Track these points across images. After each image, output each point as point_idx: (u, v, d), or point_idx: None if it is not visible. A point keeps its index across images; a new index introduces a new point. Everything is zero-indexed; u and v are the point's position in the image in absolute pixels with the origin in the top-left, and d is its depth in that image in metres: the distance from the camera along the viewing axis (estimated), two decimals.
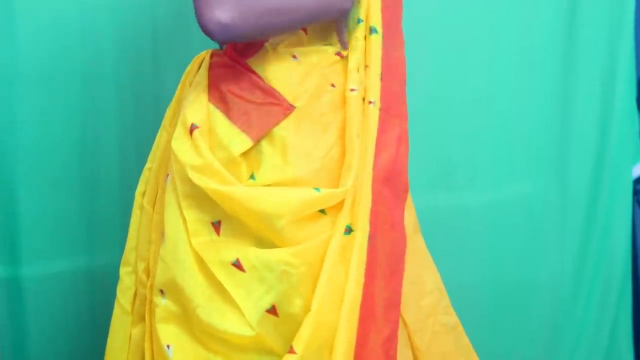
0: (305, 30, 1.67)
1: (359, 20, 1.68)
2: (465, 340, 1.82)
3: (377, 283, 1.60)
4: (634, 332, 2.83)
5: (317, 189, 1.57)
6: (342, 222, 1.58)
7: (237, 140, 1.59)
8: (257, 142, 1.60)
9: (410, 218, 1.74)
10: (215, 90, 1.63)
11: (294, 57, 1.64)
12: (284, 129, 1.60)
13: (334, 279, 1.56)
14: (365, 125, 1.63)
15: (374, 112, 1.64)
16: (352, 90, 1.64)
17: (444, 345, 1.76)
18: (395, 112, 1.67)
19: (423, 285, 1.75)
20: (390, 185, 1.63)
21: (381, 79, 1.66)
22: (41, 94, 2.09)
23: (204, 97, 1.63)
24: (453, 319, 1.81)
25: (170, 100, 1.75)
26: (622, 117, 2.72)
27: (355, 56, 1.66)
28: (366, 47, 1.68)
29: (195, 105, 1.63)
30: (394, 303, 1.63)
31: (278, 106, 1.60)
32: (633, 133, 2.75)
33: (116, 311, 1.75)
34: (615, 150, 2.73)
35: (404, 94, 1.71)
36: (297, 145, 1.59)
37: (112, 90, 2.14)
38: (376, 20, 1.68)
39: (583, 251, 2.76)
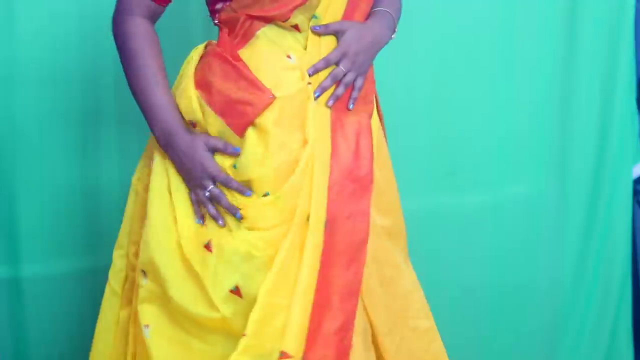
0: (298, 28, 1.68)
1: (313, 16, 1.67)
2: (438, 344, 1.81)
3: (334, 271, 1.62)
4: (634, 332, 2.83)
5: (267, 193, 1.61)
6: (304, 209, 1.61)
7: (226, 136, 1.64)
8: (242, 135, 1.63)
9: (384, 222, 1.74)
10: (202, 79, 1.66)
11: (289, 57, 1.66)
12: (265, 118, 1.62)
13: (289, 263, 1.59)
14: (318, 119, 1.65)
15: (325, 110, 1.66)
16: (309, 83, 1.66)
17: (412, 350, 1.75)
18: (352, 110, 1.69)
19: (394, 288, 1.74)
20: (351, 177, 1.65)
21: None
22: (41, 94, 2.08)
23: (190, 86, 1.66)
24: (424, 323, 1.78)
25: None
26: (622, 117, 2.72)
27: (311, 50, 1.67)
28: (321, 45, 1.68)
29: (185, 95, 1.66)
30: (351, 291, 1.63)
31: (260, 97, 1.62)
32: (633, 133, 2.75)
33: (106, 293, 1.77)
34: (615, 150, 2.73)
35: (370, 92, 1.73)
36: (277, 134, 1.62)
37: (112, 91, 2.14)
38: (331, 20, 1.68)
39: (583, 251, 2.77)
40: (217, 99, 1.64)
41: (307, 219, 1.61)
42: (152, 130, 1.65)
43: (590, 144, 2.72)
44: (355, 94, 1.69)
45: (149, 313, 1.64)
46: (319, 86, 1.66)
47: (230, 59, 1.64)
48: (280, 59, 1.65)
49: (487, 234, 2.58)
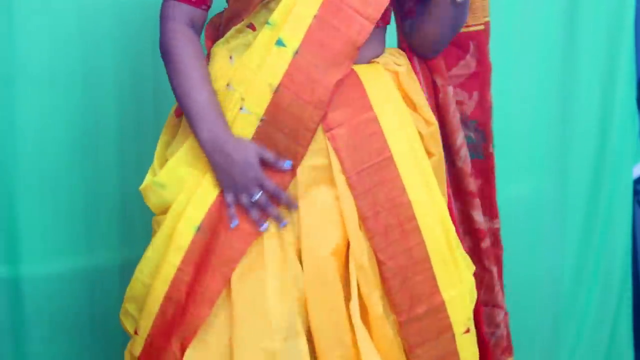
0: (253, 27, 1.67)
1: (268, 22, 1.62)
2: None
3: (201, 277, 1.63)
4: (634, 332, 2.83)
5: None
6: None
7: None
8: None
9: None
10: None
11: (230, 58, 1.66)
12: None
13: None
14: (233, 127, 1.62)
15: (248, 120, 1.61)
16: (227, 85, 1.64)
17: None
18: (287, 131, 1.61)
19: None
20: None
21: (276, 92, 1.59)
22: (41, 94, 2.08)
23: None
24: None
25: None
26: (622, 117, 2.72)
27: (248, 55, 1.63)
28: (267, 54, 1.61)
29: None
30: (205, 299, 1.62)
31: None
32: (633, 133, 2.76)
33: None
34: (615, 150, 2.73)
35: (312, 122, 1.61)
36: None
37: (112, 90, 2.13)
38: (290, 34, 1.59)
39: (583, 251, 2.77)
40: None
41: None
42: (197, 134, 1.62)
43: (590, 144, 2.72)
44: None
45: None
46: None
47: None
48: (225, 60, 1.67)
49: None
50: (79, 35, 2.10)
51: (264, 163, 1.61)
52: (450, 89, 1.85)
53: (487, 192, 1.95)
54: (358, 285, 1.61)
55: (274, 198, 1.62)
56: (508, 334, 2.02)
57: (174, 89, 1.66)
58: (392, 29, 1.83)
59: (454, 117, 1.85)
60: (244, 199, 1.61)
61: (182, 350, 1.62)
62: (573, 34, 2.63)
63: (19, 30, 2.04)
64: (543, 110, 2.61)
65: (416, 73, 1.80)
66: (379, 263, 1.62)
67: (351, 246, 1.61)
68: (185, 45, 1.65)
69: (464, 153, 1.87)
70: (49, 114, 2.10)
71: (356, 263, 1.61)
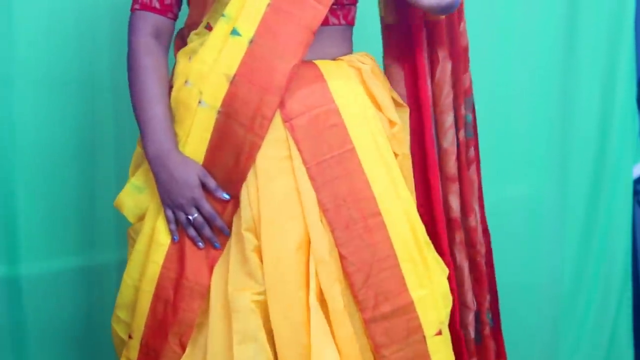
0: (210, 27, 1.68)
1: (223, 15, 1.62)
2: None
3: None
4: (634, 332, 2.83)
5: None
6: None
7: None
8: None
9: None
10: None
11: (190, 58, 1.66)
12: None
13: None
14: (193, 123, 1.62)
15: (207, 114, 1.61)
16: (185, 82, 1.64)
17: None
18: (244, 121, 1.59)
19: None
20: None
21: (232, 82, 1.59)
22: (39, 94, 2.08)
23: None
24: None
25: None
26: (622, 117, 2.72)
27: (204, 49, 1.63)
28: (223, 46, 1.61)
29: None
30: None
31: None
32: (633, 133, 2.75)
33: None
34: (615, 150, 2.73)
35: (269, 109, 1.59)
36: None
37: (110, 91, 2.14)
38: (245, 23, 1.59)
39: (583, 251, 2.77)
40: None
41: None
42: (145, 147, 1.64)
43: (590, 144, 2.72)
44: None
45: None
46: None
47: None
48: (185, 61, 1.67)
49: None
50: (77, 37, 2.10)
51: (205, 188, 1.62)
52: (449, 66, 1.81)
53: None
54: (319, 279, 1.59)
55: (210, 221, 1.63)
56: (496, 341, 1.98)
57: (132, 103, 1.66)
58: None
59: (447, 97, 1.81)
60: (182, 217, 1.62)
61: (182, 347, 1.62)
62: (573, 34, 2.63)
63: (19, 31, 2.04)
64: (543, 110, 2.61)
65: (422, 49, 1.77)
66: (341, 257, 1.60)
67: (311, 239, 1.59)
68: (146, 59, 1.66)
69: (451, 135, 1.82)
70: (48, 115, 2.10)
71: (316, 257, 1.59)
